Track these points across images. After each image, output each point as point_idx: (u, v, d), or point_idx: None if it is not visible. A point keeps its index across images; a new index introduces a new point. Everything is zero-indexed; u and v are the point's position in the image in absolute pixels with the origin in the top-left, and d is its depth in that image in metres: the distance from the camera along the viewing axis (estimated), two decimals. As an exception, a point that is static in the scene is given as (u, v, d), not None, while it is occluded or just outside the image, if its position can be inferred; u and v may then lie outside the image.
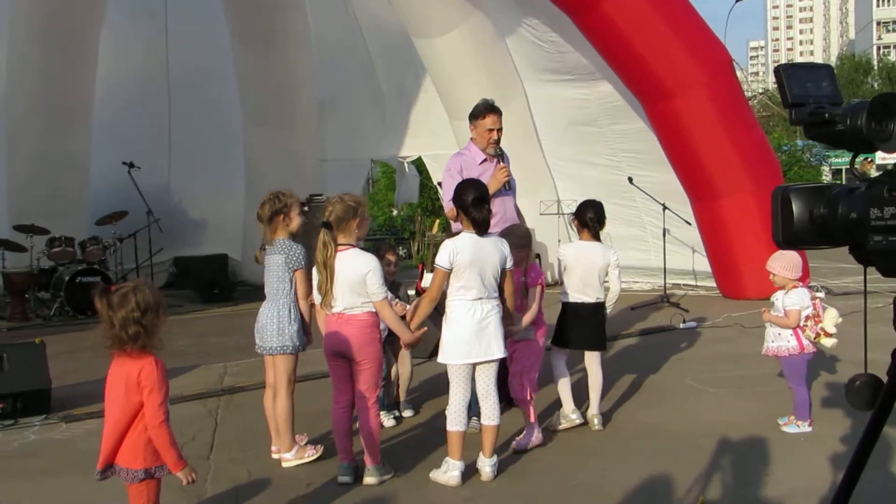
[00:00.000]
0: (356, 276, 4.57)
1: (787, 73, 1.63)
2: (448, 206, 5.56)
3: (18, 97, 12.16)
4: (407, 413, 6.13)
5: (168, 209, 13.74)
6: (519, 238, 5.25)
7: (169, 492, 3.73)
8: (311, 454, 5.08)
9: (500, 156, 5.96)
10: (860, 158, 1.77)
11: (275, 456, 5.16)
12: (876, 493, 4.06)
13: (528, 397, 5.25)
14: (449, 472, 4.63)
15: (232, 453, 5.36)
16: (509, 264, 4.76)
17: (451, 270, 4.59)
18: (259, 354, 5.17)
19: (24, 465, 5.25)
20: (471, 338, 4.59)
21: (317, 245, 4.66)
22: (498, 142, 5.96)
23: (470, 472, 4.70)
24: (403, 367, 6.16)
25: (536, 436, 5.29)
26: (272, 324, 5.01)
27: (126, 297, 3.26)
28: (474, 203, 4.61)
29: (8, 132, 12.41)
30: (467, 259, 4.57)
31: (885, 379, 1.71)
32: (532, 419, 5.29)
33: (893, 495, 3.90)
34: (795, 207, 1.72)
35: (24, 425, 6.08)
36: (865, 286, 1.74)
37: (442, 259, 4.61)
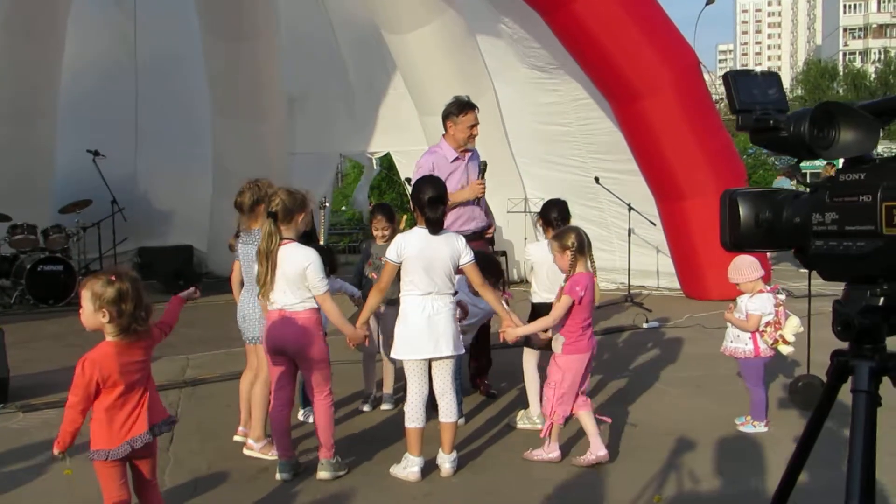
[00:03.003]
0: (295, 271, 4.51)
1: (735, 80, 1.67)
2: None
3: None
4: (385, 407, 6.15)
5: (134, 198, 13.59)
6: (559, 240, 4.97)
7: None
8: (274, 454, 5.05)
9: (482, 172, 6.07)
10: (822, 164, 1.81)
11: (237, 438, 5.15)
12: (824, 490, 4.14)
13: (549, 411, 4.90)
14: (408, 467, 4.65)
15: (192, 445, 5.33)
16: (465, 260, 4.71)
17: (399, 264, 4.63)
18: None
19: (-21, 455, 5.18)
20: (419, 334, 4.61)
21: (261, 235, 4.59)
22: (475, 137, 6.11)
23: (431, 467, 4.73)
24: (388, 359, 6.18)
25: (549, 452, 4.94)
26: (253, 313, 5.02)
27: (137, 283, 3.33)
28: (430, 202, 4.63)
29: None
30: (414, 253, 4.60)
31: (825, 380, 1.75)
32: (543, 434, 4.97)
33: (841, 492, 3.97)
34: (742, 211, 1.76)
35: (-20, 415, 6.02)
36: (809, 289, 1.78)
37: (390, 252, 4.68)
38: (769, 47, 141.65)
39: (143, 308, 3.32)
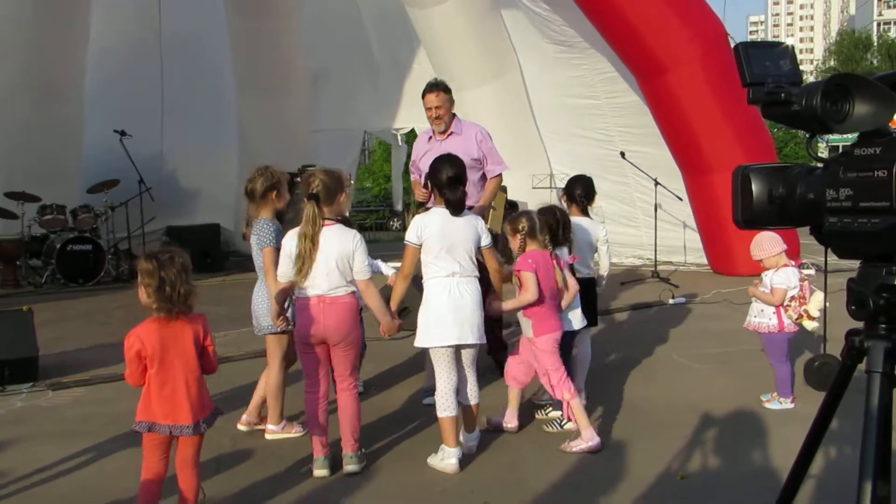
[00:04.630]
0: (343, 254, 4.33)
1: (746, 52, 1.61)
2: (413, 178, 6.05)
3: (10, 62, 12.02)
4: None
5: (161, 178, 13.68)
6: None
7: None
8: (297, 430, 5.08)
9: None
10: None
11: (241, 427, 5.14)
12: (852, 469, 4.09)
13: (558, 396, 4.80)
14: (446, 459, 4.48)
15: (216, 422, 5.35)
16: (485, 242, 4.61)
17: (419, 246, 4.52)
18: (252, 325, 5.14)
19: (9, 433, 5.26)
20: (444, 319, 4.43)
21: (304, 218, 4.39)
22: (440, 118, 5.93)
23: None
24: None
25: (588, 440, 4.68)
26: (261, 304, 4.96)
27: (173, 260, 3.43)
28: (449, 183, 4.52)
29: (-1, 98, 12.32)
30: (435, 233, 4.47)
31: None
32: (566, 416, 4.85)
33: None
34: (755, 187, 1.71)
35: (10, 393, 6.11)
36: (826, 266, 1.74)
37: (410, 234, 4.55)
38: (801, 18, 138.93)
39: (176, 287, 3.40)
